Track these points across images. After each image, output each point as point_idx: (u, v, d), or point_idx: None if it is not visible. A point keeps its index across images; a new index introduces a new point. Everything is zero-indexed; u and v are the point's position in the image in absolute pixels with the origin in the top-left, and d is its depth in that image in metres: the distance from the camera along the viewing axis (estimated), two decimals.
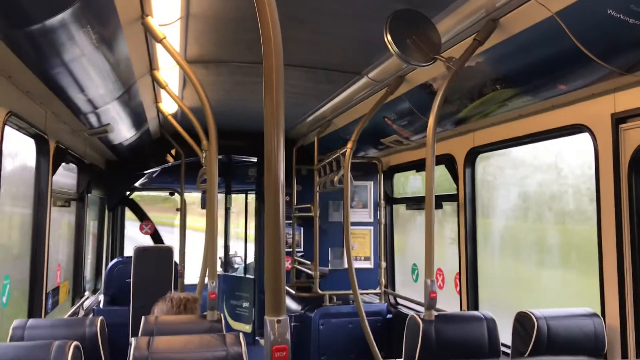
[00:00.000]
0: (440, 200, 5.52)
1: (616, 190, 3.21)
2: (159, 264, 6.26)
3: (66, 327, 2.99)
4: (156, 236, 9.65)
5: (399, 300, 6.75)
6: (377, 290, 6.88)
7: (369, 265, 7.76)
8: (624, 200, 3.19)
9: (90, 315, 3.53)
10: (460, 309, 4.94)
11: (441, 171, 5.24)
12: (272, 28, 1.46)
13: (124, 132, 5.63)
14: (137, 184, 9.09)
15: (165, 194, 10.45)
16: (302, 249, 7.97)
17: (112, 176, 7.94)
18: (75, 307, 6.02)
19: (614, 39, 2.58)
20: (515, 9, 2.84)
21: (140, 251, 6.25)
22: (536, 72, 3.18)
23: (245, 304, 9.61)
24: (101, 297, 7.36)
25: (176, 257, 6.80)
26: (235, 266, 10.79)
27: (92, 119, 4.53)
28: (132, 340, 2.33)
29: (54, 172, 4.44)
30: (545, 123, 3.82)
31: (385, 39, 3.04)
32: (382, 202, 6.94)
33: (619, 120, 3.21)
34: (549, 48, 2.89)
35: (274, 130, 1.47)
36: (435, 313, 3.23)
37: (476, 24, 3.13)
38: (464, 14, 3.14)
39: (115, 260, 7.58)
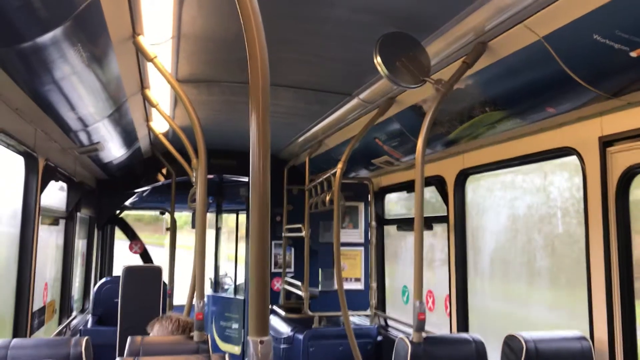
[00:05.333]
0: (430, 222, 5.52)
1: (604, 213, 3.23)
2: (147, 284, 6.19)
3: (51, 347, 2.95)
4: (145, 256, 9.58)
5: (390, 322, 6.71)
6: (368, 312, 6.84)
7: (359, 286, 7.72)
8: (611, 223, 3.20)
9: (77, 336, 3.47)
10: (450, 331, 4.91)
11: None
12: (258, 48, 1.47)
13: (114, 150, 5.62)
14: (127, 203, 9.05)
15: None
16: (292, 270, 7.93)
17: (102, 195, 7.90)
18: (61, 327, 5.94)
19: (600, 63, 2.62)
20: (503, 33, 2.88)
21: (129, 271, 6.19)
22: (524, 95, 3.21)
23: (235, 325, 9.52)
24: (89, 317, 7.27)
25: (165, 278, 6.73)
26: (225, 287, 10.71)
27: (83, 137, 4.53)
28: None
29: (42, 190, 4.41)
30: (534, 145, 3.84)
31: (375, 61, 3.07)
32: (373, 222, 6.93)
33: (606, 143, 3.24)
34: (537, 71, 2.93)
35: (260, 151, 1.47)
36: (424, 335, 3.21)
37: (465, 47, 3.16)
38: (453, 37, 3.18)
39: (103, 280, 7.51)
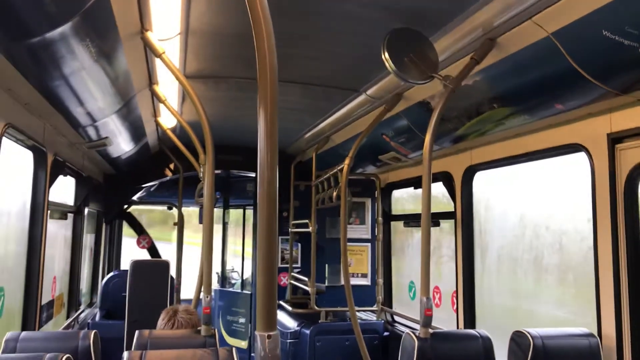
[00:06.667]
0: (437, 218, 5.52)
1: (612, 210, 3.21)
2: (155, 278, 6.22)
3: (59, 340, 2.97)
4: (153, 250, 9.62)
5: (397, 318, 6.72)
6: (374, 308, 6.85)
7: (366, 282, 7.73)
8: (620, 220, 3.19)
9: (85, 329, 3.50)
10: (457, 327, 4.91)
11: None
12: (267, 44, 1.47)
13: (122, 145, 5.64)
14: (134, 198, 9.09)
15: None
16: (299, 265, 7.95)
17: (110, 189, 7.93)
18: (70, 321, 5.98)
19: (609, 59, 2.60)
20: (512, 29, 2.87)
21: (136, 265, 6.22)
22: (533, 91, 3.20)
23: (242, 320, 9.55)
24: (97, 311, 7.32)
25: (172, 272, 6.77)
26: (232, 281, 10.75)
27: (91, 132, 4.55)
28: (125, 354, 2.32)
29: (51, 184, 4.44)
30: (543, 142, 3.83)
31: (383, 56, 3.06)
32: (380, 218, 6.93)
33: (615, 140, 3.23)
34: (545, 68, 2.92)
35: (267, 146, 1.47)
36: (431, 331, 3.22)
37: (473, 43, 3.15)
38: (461, 33, 3.17)
39: (111, 274, 7.55)
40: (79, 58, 2.76)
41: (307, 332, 6.26)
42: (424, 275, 3.33)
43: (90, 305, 7.60)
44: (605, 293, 3.26)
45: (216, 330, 3.21)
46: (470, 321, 4.79)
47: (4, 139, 3.29)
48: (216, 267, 10.63)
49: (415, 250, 6.51)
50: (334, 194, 5.96)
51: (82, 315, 6.79)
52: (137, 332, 3.01)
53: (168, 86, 4.38)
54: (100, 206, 7.77)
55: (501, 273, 4.82)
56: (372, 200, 7.68)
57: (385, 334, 6.52)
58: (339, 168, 5.69)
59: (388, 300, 6.94)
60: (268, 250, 1.50)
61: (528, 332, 3.11)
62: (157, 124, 5.82)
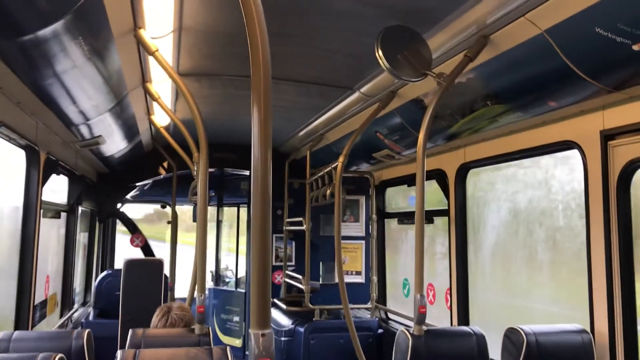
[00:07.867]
0: (431, 215, 5.53)
1: (605, 207, 3.23)
2: (149, 276, 6.20)
3: (52, 339, 2.96)
4: (147, 249, 9.59)
5: (391, 316, 6.73)
6: (368, 305, 6.85)
7: (360, 280, 7.73)
8: (612, 217, 3.20)
9: (78, 329, 3.49)
10: (451, 324, 4.93)
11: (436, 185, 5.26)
12: (260, 41, 1.47)
13: (115, 144, 5.62)
14: (128, 196, 9.06)
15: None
16: (293, 263, 7.95)
17: (103, 188, 7.91)
18: (63, 320, 5.96)
19: (602, 57, 2.61)
20: (505, 26, 2.88)
21: (130, 264, 6.19)
22: (526, 88, 3.21)
23: (236, 318, 9.55)
24: (90, 310, 7.29)
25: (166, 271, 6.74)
26: (227, 280, 10.74)
27: (84, 130, 4.52)
28: (119, 353, 2.31)
29: (43, 183, 4.42)
30: (536, 139, 3.84)
31: (377, 54, 3.06)
32: (374, 216, 6.94)
33: (607, 137, 3.24)
34: (538, 65, 2.92)
35: (261, 144, 1.47)
36: (425, 328, 3.22)
37: (467, 41, 3.16)
38: (455, 31, 3.17)
39: (105, 273, 7.52)
40: (72, 56, 2.74)
41: (302, 330, 6.26)
42: (418, 273, 3.33)
43: (84, 304, 7.57)
44: (598, 289, 3.27)
45: (210, 328, 3.20)
46: (464, 318, 4.80)
47: None
48: (210, 266, 10.61)
49: (409, 248, 6.52)
50: (328, 191, 5.96)
51: (76, 314, 6.76)
52: (130, 330, 3.00)
53: (161, 84, 4.37)
54: (93, 205, 7.74)
55: (494, 269, 4.84)
56: (366, 197, 7.68)
57: (380, 331, 6.52)
58: (333, 166, 5.69)
59: (382, 298, 6.95)
60: (262, 249, 1.49)
61: (521, 329, 3.13)
62: (151, 122, 5.80)
